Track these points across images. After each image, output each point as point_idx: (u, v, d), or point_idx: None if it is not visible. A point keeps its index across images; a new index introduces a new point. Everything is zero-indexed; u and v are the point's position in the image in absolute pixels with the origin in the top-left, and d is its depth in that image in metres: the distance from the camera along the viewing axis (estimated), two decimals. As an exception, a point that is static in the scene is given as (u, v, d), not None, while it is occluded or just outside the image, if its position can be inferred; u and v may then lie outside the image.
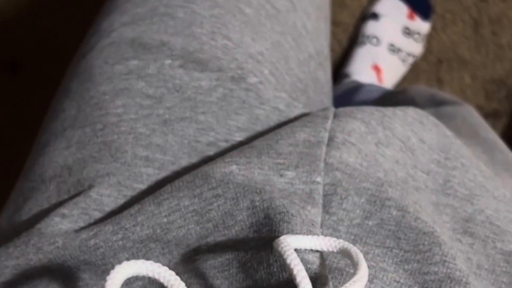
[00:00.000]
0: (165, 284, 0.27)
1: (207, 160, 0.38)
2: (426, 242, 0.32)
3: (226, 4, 0.44)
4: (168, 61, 0.41)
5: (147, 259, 0.32)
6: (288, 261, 0.27)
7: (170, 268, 0.27)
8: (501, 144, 0.49)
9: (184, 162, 0.38)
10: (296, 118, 0.41)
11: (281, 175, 0.34)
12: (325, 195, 0.34)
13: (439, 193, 0.37)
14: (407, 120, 0.39)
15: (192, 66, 0.41)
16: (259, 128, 0.40)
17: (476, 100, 0.99)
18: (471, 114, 0.54)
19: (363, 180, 0.34)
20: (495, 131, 0.52)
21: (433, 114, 0.52)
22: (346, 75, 0.94)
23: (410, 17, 0.94)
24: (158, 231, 0.32)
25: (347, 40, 0.99)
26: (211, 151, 0.39)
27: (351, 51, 0.96)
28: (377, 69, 0.93)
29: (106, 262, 0.32)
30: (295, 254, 0.27)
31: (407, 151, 0.38)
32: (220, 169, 0.34)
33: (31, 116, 0.90)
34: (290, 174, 0.34)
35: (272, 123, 0.41)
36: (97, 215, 0.35)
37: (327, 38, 0.53)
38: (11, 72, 1.04)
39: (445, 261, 0.31)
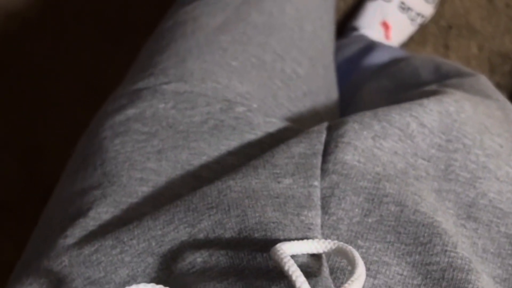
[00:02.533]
0: None
1: (200, 179, 0.40)
2: (426, 234, 0.32)
3: (214, 59, 0.48)
4: (161, 105, 0.44)
5: (147, 275, 0.33)
6: (286, 268, 0.28)
7: (168, 284, 0.28)
8: None
9: (178, 182, 0.40)
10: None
11: (279, 182, 0.35)
12: (323, 198, 0.35)
13: (441, 179, 0.37)
14: (404, 107, 0.39)
15: (183, 106, 0.44)
16: (250, 151, 0.42)
17: (480, 72, 0.98)
18: (480, 82, 0.53)
19: (360, 179, 0.35)
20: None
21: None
22: (354, 28, 0.93)
23: (425, -25, 0.93)
24: (153, 244, 0.33)
25: (359, -7, 0.99)
26: (204, 172, 0.40)
27: (362, 4, 0.95)
28: (385, 25, 0.92)
29: (108, 280, 0.33)
30: (292, 261, 0.28)
31: (407, 139, 0.38)
32: (217, 186, 0.35)
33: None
34: (287, 181, 0.35)
35: (265, 146, 0.42)
36: (97, 230, 0.37)
37: (327, 82, 0.56)
38: None
39: (446, 250, 0.32)
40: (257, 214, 0.33)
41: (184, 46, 0.49)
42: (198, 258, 0.33)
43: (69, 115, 1.00)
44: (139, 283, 0.32)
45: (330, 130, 0.39)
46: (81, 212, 0.38)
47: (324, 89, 0.54)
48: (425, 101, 0.40)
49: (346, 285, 0.27)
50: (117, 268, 0.33)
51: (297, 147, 0.38)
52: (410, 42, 0.98)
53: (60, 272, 0.34)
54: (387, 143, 0.37)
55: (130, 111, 0.44)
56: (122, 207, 0.38)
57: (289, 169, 0.36)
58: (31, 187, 0.99)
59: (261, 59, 0.49)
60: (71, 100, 1.01)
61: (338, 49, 0.89)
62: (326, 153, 0.37)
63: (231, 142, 0.42)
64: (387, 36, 0.93)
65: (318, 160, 0.36)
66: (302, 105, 0.49)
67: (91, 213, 0.38)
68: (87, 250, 0.34)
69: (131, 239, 0.34)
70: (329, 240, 0.30)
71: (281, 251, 0.29)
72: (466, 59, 0.99)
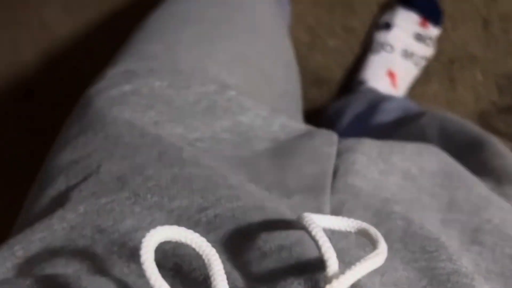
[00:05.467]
0: (197, 249, 0.27)
1: (195, 149, 0.41)
2: (432, 244, 0.33)
3: (203, 51, 0.52)
4: (157, 83, 0.45)
5: (151, 228, 0.32)
6: (313, 233, 0.28)
7: None
8: None
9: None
10: (295, 140, 0.44)
11: (288, 198, 0.36)
12: (332, 211, 0.36)
13: (445, 211, 0.38)
14: (405, 154, 0.42)
15: (178, 85, 0.46)
16: (243, 129, 0.44)
17: (490, 97, 1.00)
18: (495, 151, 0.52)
19: (368, 199, 0.37)
20: (509, 126, 0.49)
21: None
22: (361, 82, 0.95)
23: (422, 25, 0.95)
24: (165, 199, 0.34)
25: (359, 46, 1.01)
26: (198, 145, 0.42)
27: (366, 58, 0.97)
28: (391, 75, 0.95)
29: (114, 229, 0.33)
30: (319, 227, 0.28)
31: (409, 180, 0.40)
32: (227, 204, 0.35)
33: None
34: (297, 197, 0.36)
35: (257, 127, 0.44)
36: (110, 183, 0.37)
37: (296, 87, 0.63)
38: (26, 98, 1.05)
39: (451, 259, 0.32)
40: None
41: (173, 37, 0.53)
42: (202, 219, 0.33)
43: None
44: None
45: (340, 155, 0.41)
46: (89, 169, 0.38)
47: (295, 92, 0.61)
48: (424, 151, 0.42)
49: (371, 255, 0.27)
50: (125, 218, 0.33)
51: (309, 168, 0.39)
52: (415, 83, 1.00)
53: (73, 220, 0.34)
54: (392, 179, 0.40)
55: (126, 87, 0.45)
56: (126, 165, 0.38)
57: (300, 188, 0.37)
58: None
59: (247, 55, 0.54)
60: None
61: (347, 105, 0.91)
62: (337, 175, 0.38)
63: (224, 121, 0.44)
64: (394, 85, 0.95)
65: (329, 181, 0.38)
66: (280, 106, 0.53)
67: (102, 169, 0.38)
68: (104, 200, 0.34)
69: (146, 193, 0.34)
70: (352, 219, 0.30)
71: (307, 218, 0.29)
72: (474, 88, 1.01)
